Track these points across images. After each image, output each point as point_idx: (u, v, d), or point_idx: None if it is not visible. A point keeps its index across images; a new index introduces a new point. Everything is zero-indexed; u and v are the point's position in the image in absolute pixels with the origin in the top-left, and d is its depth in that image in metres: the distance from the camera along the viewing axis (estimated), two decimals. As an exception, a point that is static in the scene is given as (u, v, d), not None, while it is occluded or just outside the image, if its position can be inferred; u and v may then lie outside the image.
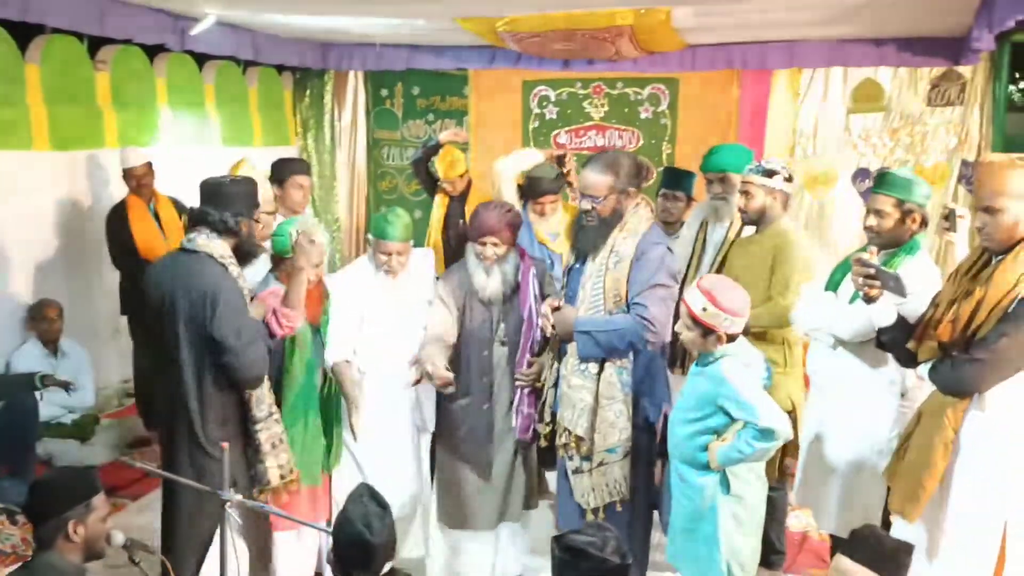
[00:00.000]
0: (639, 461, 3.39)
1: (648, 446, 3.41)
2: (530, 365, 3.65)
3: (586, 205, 3.36)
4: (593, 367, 3.33)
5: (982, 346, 2.63)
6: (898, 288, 2.81)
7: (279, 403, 3.45)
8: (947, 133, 6.93)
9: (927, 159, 6.88)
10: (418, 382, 3.76)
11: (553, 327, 3.43)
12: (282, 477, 3.39)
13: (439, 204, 5.34)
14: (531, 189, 4.66)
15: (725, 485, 3.04)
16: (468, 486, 3.75)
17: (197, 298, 3.14)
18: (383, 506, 2.48)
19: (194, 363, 3.20)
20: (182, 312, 3.17)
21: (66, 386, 4.82)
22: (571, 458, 3.41)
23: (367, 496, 2.50)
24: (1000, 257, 2.69)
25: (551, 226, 4.64)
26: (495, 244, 3.59)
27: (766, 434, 2.89)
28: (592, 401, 3.33)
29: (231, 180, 3.42)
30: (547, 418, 3.55)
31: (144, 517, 4.62)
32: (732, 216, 4.18)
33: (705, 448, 3.03)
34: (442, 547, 3.89)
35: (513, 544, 3.91)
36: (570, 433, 3.37)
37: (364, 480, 3.57)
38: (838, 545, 3.48)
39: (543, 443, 3.61)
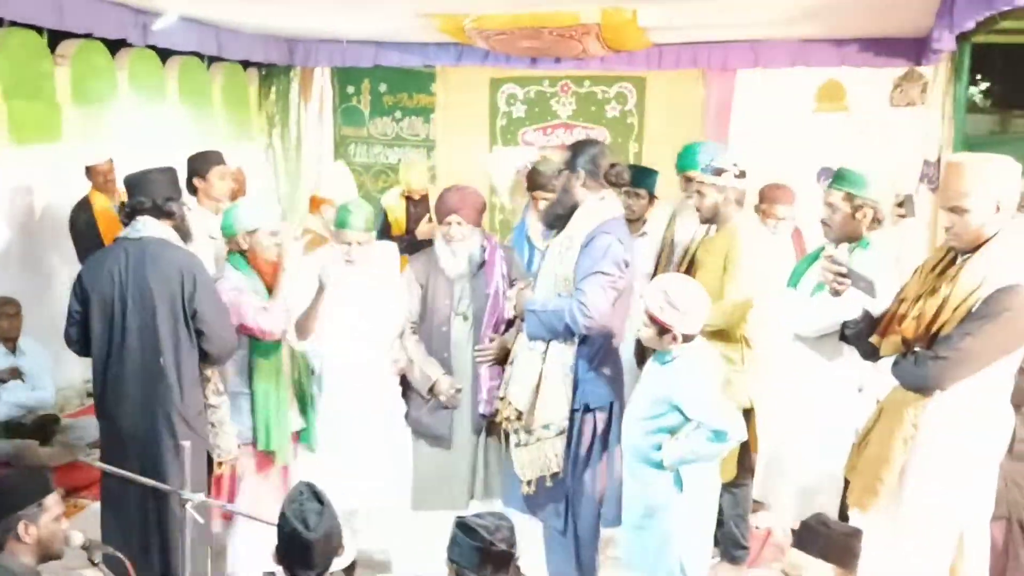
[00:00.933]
0: (576, 443, 3.47)
1: (586, 430, 3.47)
2: (491, 341, 3.78)
3: (548, 195, 3.54)
4: (541, 346, 3.44)
5: (946, 344, 2.66)
6: (869, 290, 2.85)
7: (250, 375, 3.59)
8: (909, 133, 7.01)
9: (888, 160, 6.95)
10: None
11: (514, 307, 3.59)
12: (239, 446, 3.58)
13: (398, 204, 5.53)
14: (531, 180, 4.82)
15: (679, 483, 3.06)
16: (434, 465, 3.83)
17: (174, 276, 3.30)
18: (322, 503, 2.46)
19: (172, 340, 3.32)
20: (157, 294, 3.30)
21: (16, 374, 4.77)
22: (515, 431, 3.53)
23: (306, 494, 2.49)
24: (966, 256, 2.70)
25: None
26: (459, 223, 3.72)
27: (719, 435, 2.93)
28: (536, 379, 3.43)
29: (155, 169, 3.59)
30: (501, 392, 3.65)
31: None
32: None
33: (659, 446, 3.05)
34: (416, 530, 3.93)
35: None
36: (512, 407, 3.49)
37: (337, 468, 3.61)
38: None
39: (498, 419, 3.67)
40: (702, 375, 3.04)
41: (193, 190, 4.91)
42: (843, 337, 3.09)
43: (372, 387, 3.87)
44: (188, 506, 2.78)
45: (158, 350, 3.33)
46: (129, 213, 3.47)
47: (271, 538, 3.57)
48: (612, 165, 3.54)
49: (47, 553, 2.61)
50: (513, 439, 3.56)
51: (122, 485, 3.27)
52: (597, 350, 3.47)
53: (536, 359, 3.45)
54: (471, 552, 2.36)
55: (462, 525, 2.41)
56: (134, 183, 3.50)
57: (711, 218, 3.84)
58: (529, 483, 3.51)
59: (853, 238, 3.31)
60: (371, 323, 3.82)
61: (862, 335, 2.96)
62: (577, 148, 3.54)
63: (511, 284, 3.86)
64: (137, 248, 3.36)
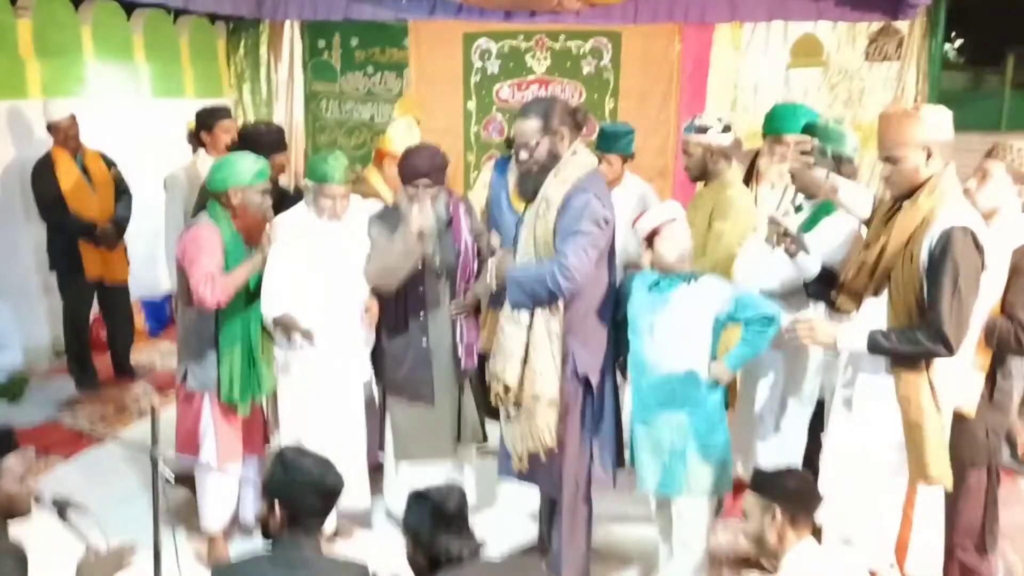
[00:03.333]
0: (569, 413, 3.38)
1: (578, 398, 3.39)
2: (464, 295, 3.81)
3: (523, 155, 3.33)
4: (525, 316, 3.32)
5: (932, 321, 2.67)
6: (800, 245, 3.03)
7: (216, 328, 3.58)
8: (884, 88, 7.03)
9: (864, 114, 6.97)
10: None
11: (495, 277, 3.44)
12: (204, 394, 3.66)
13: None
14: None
15: (723, 390, 3.23)
16: (418, 419, 3.86)
17: None
18: (323, 459, 2.50)
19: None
20: None
21: None
22: (503, 405, 3.45)
23: (299, 452, 2.52)
24: (903, 201, 2.80)
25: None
26: (427, 186, 3.68)
27: (772, 320, 3.08)
28: (521, 351, 3.33)
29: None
30: (489, 368, 3.57)
31: (77, 476, 4.53)
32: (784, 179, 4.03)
33: (707, 367, 3.16)
34: (402, 484, 3.93)
35: (467, 468, 4.06)
36: (499, 382, 3.39)
37: (310, 428, 3.61)
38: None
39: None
40: (726, 280, 3.20)
41: (201, 143, 5.02)
42: (808, 294, 3.13)
43: (350, 347, 3.84)
44: (160, 463, 2.75)
45: None
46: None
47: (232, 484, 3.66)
48: (572, 112, 3.35)
49: (9, 512, 2.55)
50: (503, 413, 3.49)
51: None
52: (584, 315, 3.36)
53: (521, 330, 3.34)
54: (424, 518, 2.42)
55: (414, 494, 2.49)
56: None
57: (699, 176, 3.82)
58: (521, 458, 3.43)
59: (819, 195, 3.30)
60: (353, 281, 3.78)
61: (823, 292, 3.03)
62: (549, 107, 3.34)
63: (475, 237, 3.89)
64: None
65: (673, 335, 3.18)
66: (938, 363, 2.75)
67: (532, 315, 3.31)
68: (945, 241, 2.64)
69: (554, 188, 3.28)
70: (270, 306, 3.64)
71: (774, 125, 4.11)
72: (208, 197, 3.64)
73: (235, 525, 3.94)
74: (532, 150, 3.30)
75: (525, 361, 3.34)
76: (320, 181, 3.67)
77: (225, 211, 3.56)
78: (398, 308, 3.80)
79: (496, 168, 4.73)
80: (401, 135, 4.47)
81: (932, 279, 2.68)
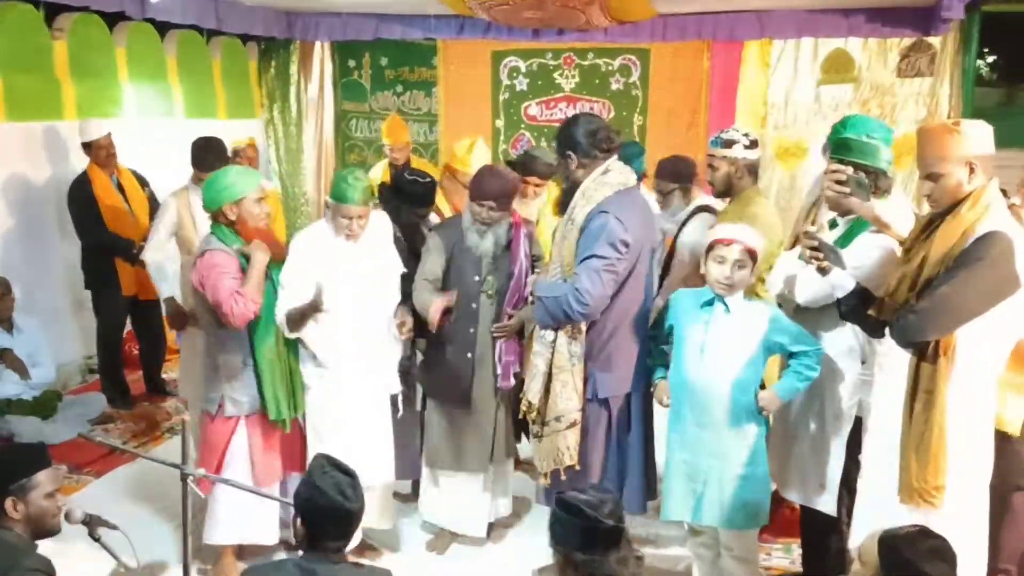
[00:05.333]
0: (590, 435, 3.38)
1: (601, 420, 3.39)
2: (509, 318, 3.78)
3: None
4: (550, 335, 3.35)
5: (925, 295, 2.68)
6: (837, 260, 2.94)
7: (252, 349, 3.58)
8: (916, 104, 6.96)
9: (896, 130, 6.87)
10: (410, 334, 3.82)
11: (532, 294, 3.52)
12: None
13: (383, 172, 5.45)
14: (523, 166, 4.57)
15: (765, 423, 3.19)
16: (455, 432, 3.87)
17: None
18: (350, 474, 2.48)
19: None
20: None
21: (22, 372, 4.76)
22: (533, 422, 3.48)
23: (330, 466, 2.49)
24: (944, 216, 2.74)
25: (530, 211, 4.57)
26: (492, 208, 3.69)
27: (822, 355, 3.12)
28: (546, 369, 3.36)
29: None
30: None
31: (108, 494, 4.55)
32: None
33: (754, 394, 3.12)
34: (434, 493, 4.01)
35: (502, 487, 4.06)
36: (527, 400, 3.44)
37: (333, 447, 3.56)
38: (805, 514, 3.50)
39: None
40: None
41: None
42: (842, 315, 3.06)
43: (372, 364, 3.83)
44: (189, 480, 2.74)
45: None
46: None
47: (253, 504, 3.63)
48: (591, 133, 3.34)
49: (38, 529, 2.57)
50: (532, 430, 3.52)
51: None
52: (609, 337, 3.34)
53: (546, 349, 3.37)
54: (577, 533, 2.23)
55: (562, 503, 2.27)
56: None
57: (725, 191, 3.78)
58: (545, 475, 3.46)
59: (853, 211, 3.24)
60: (376, 294, 3.78)
61: (857, 310, 2.95)
62: (560, 134, 3.43)
63: (534, 262, 3.88)
64: None
65: (724, 357, 3.13)
66: (962, 364, 2.68)
67: (556, 335, 3.33)
68: (981, 239, 2.59)
69: (580, 210, 3.30)
70: (282, 324, 3.60)
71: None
72: (212, 221, 3.61)
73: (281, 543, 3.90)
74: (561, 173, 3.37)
75: (549, 380, 3.35)
76: (338, 200, 3.65)
77: (228, 229, 3.55)
78: (451, 319, 3.79)
79: None
80: (474, 155, 4.56)
81: (951, 268, 2.63)
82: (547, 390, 3.37)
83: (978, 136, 2.69)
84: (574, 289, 3.18)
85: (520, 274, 3.81)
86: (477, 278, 3.76)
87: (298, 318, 3.58)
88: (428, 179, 4.18)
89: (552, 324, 3.32)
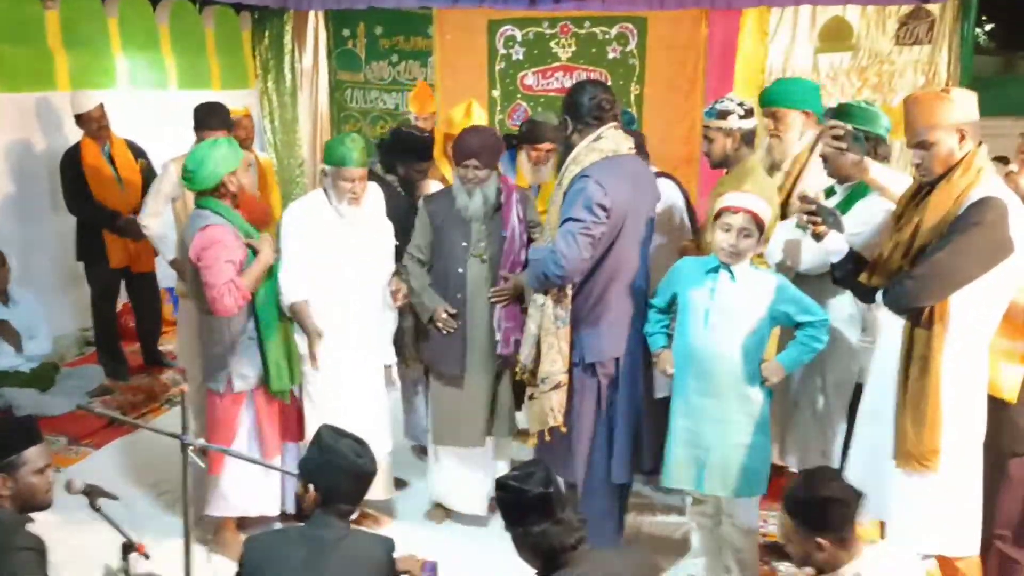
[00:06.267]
0: (577, 398, 3.41)
1: (588, 385, 3.41)
2: (505, 281, 3.78)
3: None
4: (540, 299, 3.39)
5: (919, 262, 2.69)
6: (836, 223, 2.92)
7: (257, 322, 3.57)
8: (915, 72, 6.91)
9: (894, 98, 6.86)
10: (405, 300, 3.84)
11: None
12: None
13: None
14: (530, 134, 4.52)
15: (769, 392, 3.18)
16: (451, 404, 3.86)
17: None
18: (358, 440, 2.55)
19: None
20: None
21: (16, 345, 4.76)
22: (528, 384, 3.52)
23: (336, 433, 2.55)
24: (937, 183, 2.74)
25: (543, 177, 4.54)
26: (476, 167, 3.69)
27: (828, 326, 3.09)
28: (536, 332, 3.41)
29: None
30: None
31: (108, 465, 4.56)
32: (784, 155, 3.98)
33: (758, 363, 3.12)
34: (437, 468, 4.03)
35: (504, 461, 4.06)
36: (519, 362, 3.50)
37: (330, 417, 3.58)
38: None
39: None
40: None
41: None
42: (835, 280, 3.06)
43: (370, 333, 3.83)
44: (190, 450, 2.75)
45: None
46: None
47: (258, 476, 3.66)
48: (591, 99, 3.34)
49: (28, 505, 2.54)
50: (528, 392, 3.55)
51: None
52: (595, 303, 3.36)
53: (537, 312, 3.40)
54: (510, 507, 2.32)
55: (497, 482, 2.38)
56: None
57: (721, 163, 3.74)
58: (534, 436, 3.50)
59: (852, 177, 3.23)
60: (369, 266, 3.79)
61: (850, 276, 2.96)
62: (566, 98, 3.46)
63: (529, 227, 3.87)
64: None
65: (728, 325, 3.12)
66: (956, 329, 2.70)
67: (545, 298, 3.37)
68: (975, 205, 2.60)
69: (567, 173, 3.34)
70: (286, 292, 3.63)
71: (770, 99, 4.02)
72: (203, 195, 3.52)
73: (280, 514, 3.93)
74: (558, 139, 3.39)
75: (538, 343, 3.40)
76: (338, 164, 3.63)
77: (224, 202, 3.50)
78: (439, 286, 3.81)
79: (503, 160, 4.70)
80: (461, 117, 4.46)
81: (946, 234, 2.63)
82: (538, 353, 3.41)
83: (966, 102, 2.70)
84: (551, 251, 3.22)
85: (512, 237, 3.80)
86: (465, 243, 3.76)
87: (298, 319, 3.65)
88: (427, 134, 4.18)
89: (539, 287, 3.36)
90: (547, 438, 3.42)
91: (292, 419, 3.80)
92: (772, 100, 3.93)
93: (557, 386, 3.37)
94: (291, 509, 3.89)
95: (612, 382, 3.41)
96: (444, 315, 3.76)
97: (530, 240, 3.92)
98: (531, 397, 3.50)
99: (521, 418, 4.16)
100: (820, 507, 2.43)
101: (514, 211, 3.82)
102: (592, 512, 3.45)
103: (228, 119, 4.75)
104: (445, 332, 3.78)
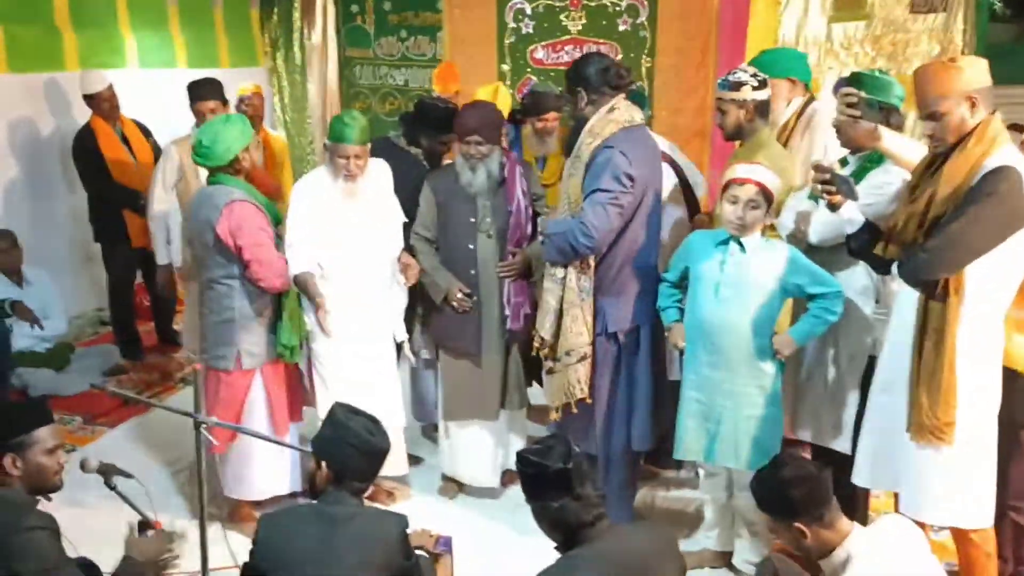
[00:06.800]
0: (600, 368, 3.44)
1: (611, 354, 3.44)
2: (513, 256, 3.79)
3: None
4: (560, 272, 3.39)
5: (934, 234, 2.66)
6: (850, 192, 2.90)
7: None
8: (930, 41, 6.80)
9: (909, 67, 6.76)
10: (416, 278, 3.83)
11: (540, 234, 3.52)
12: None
13: None
14: (535, 106, 4.57)
15: (781, 365, 3.17)
16: (465, 381, 3.88)
17: None
18: (371, 418, 2.56)
19: None
20: None
21: (34, 321, 4.78)
22: (545, 359, 3.52)
23: (349, 411, 2.56)
24: (950, 152, 2.70)
25: (549, 148, 4.51)
26: (479, 143, 3.68)
27: (842, 298, 3.06)
28: (557, 305, 3.40)
29: None
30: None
31: (122, 444, 4.60)
32: (773, 124, 3.91)
33: (769, 336, 3.11)
34: (448, 443, 4.05)
35: (516, 434, 4.06)
36: (539, 335, 3.49)
37: (342, 394, 3.59)
38: (818, 455, 3.51)
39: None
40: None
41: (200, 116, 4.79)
42: (850, 251, 3.04)
43: (377, 308, 3.82)
44: (203, 429, 2.77)
45: None
46: None
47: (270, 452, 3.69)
48: (603, 70, 3.36)
49: (38, 486, 2.55)
50: (545, 366, 3.55)
51: None
52: (617, 272, 3.40)
53: (557, 286, 3.41)
54: (531, 482, 2.30)
55: (517, 457, 2.36)
56: None
57: (735, 135, 3.69)
58: (557, 410, 3.51)
59: (865, 146, 3.19)
60: (378, 241, 3.78)
61: (865, 247, 2.93)
62: (571, 71, 3.46)
63: (532, 200, 3.88)
64: None
65: (739, 297, 3.11)
66: (971, 301, 2.68)
67: (567, 271, 3.37)
68: (990, 174, 2.56)
69: (586, 146, 3.33)
70: (291, 265, 3.62)
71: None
72: (218, 171, 3.51)
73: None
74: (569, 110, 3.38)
75: (560, 316, 3.40)
76: (336, 140, 3.62)
77: (238, 177, 3.51)
78: (449, 264, 3.81)
79: (508, 135, 4.69)
80: (499, 102, 4.43)
81: (960, 204, 2.60)
82: (558, 326, 3.42)
83: (975, 70, 2.66)
84: (580, 223, 3.23)
85: (518, 211, 3.80)
86: (473, 219, 3.76)
87: (304, 291, 3.67)
88: (451, 104, 4.15)
89: (561, 260, 3.36)
90: (574, 410, 3.45)
91: (298, 396, 3.83)
92: (759, 70, 3.90)
93: (583, 358, 3.40)
94: (300, 488, 3.92)
95: (633, 351, 3.45)
96: (459, 294, 3.76)
97: (535, 213, 3.91)
98: (550, 371, 3.50)
99: (533, 393, 4.17)
100: (781, 493, 2.40)
101: (518, 185, 3.81)
102: (613, 481, 3.54)
103: (222, 90, 4.77)
104: (461, 311, 3.78)
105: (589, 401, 3.44)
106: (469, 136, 3.69)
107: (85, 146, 5.44)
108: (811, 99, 4.06)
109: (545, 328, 3.46)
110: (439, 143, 4.09)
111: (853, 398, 3.35)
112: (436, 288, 3.81)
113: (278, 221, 3.64)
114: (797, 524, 2.37)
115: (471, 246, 3.77)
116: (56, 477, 2.59)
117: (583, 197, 3.30)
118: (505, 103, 4.67)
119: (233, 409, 3.58)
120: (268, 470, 3.74)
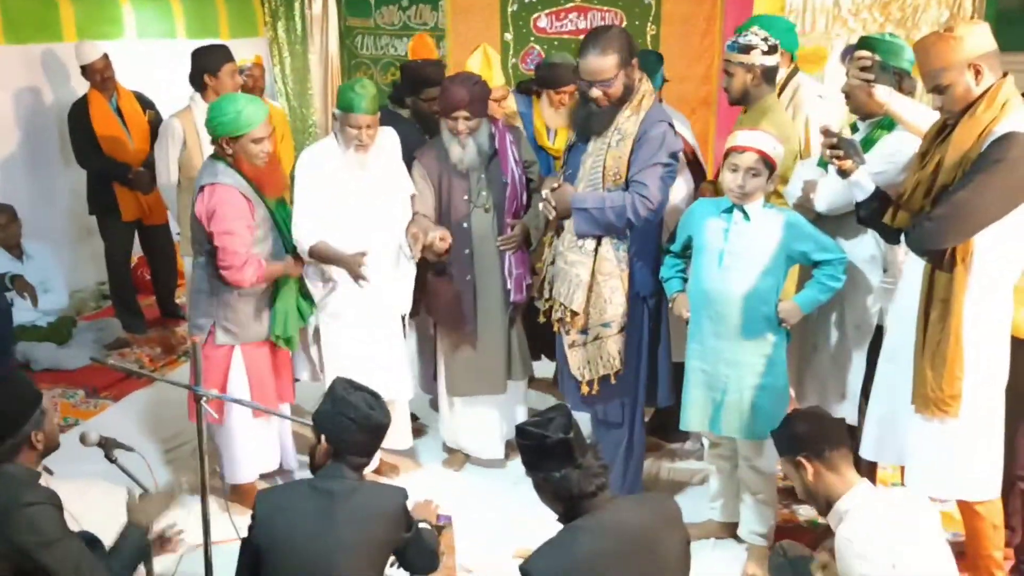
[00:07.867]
0: (633, 334, 3.43)
1: (641, 319, 3.44)
2: (512, 228, 3.75)
3: (596, 92, 3.26)
4: (590, 243, 3.34)
5: (941, 202, 2.61)
6: (857, 155, 2.86)
7: None
8: (939, 6, 6.72)
9: (918, 34, 6.67)
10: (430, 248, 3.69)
11: (554, 208, 3.38)
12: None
13: None
14: (553, 78, 4.28)
15: (786, 333, 3.15)
16: (466, 357, 3.85)
17: None
18: (373, 393, 2.54)
19: None
20: None
21: (32, 295, 4.76)
22: (567, 332, 3.45)
23: (351, 387, 2.53)
24: (959, 119, 2.65)
25: (562, 119, 4.39)
26: (466, 118, 3.59)
27: (846, 264, 3.05)
28: (588, 277, 3.35)
29: None
30: (545, 294, 3.57)
31: (125, 417, 4.59)
32: None
33: (774, 304, 3.09)
34: (451, 415, 4.03)
35: (520, 405, 4.06)
36: (565, 308, 3.41)
37: (348, 367, 3.55)
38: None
39: (542, 319, 3.61)
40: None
41: (201, 87, 4.74)
42: (860, 220, 2.99)
43: (384, 280, 3.78)
44: (203, 402, 2.74)
45: None
46: None
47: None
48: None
49: (50, 450, 2.59)
50: (567, 340, 3.47)
51: None
52: (647, 240, 3.41)
53: (587, 258, 3.35)
54: (531, 453, 2.29)
55: (517, 430, 2.34)
56: None
57: (740, 99, 3.63)
58: (590, 383, 3.44)
59: (875, 112, 3.13)
60: (383, 213, 3.71)
61: (875, 215, 2.88)
62: (611, 44, 3.25)
63: (525, 167, 3.81)
64: None
65: (743, 266, 3.08)
66: (979, 271, 2.64)
67: (598, 243, 3.34)
68: (998, 141, 2.50)
69: (628, 120, 3.29)
70: (302, 240, 3.58)
71: None
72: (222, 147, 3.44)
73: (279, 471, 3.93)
74: (609, 85, 3.24)
75: (591, 288, 3.36)
76: (346, 110, 3.55)
77: (231, 163, 3.42)
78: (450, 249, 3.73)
79: (519, 104, 4.56)
80: (494, 72, 4.20)
81: (968, 172, 2.54)
82: (588, 298, 3.38)
83: (976, 36, 2.58)
84: (640, 196, 3.21)
85: (514, 182, 3.75)
86: (466, 197, 3.70)
87: (325, 259, 3.59)
88: (438, 61, 4.09)
89: (599, 233, 3.32)
90: (613, 381, 3.42)
91: (288, 377, 3.81)
92: None
93: (622, 329, 3.39)
94: (288, 465, 3.92)
95: (657, 314, 3.47)
96: (438, 240, 3.62)
97: (528, 180, 3.85)
98: (574, 344, 3.44)
99: (536, 365, 4.15)
100: (787, 426, 2.56)
101: (510, 155, 3.75)
102: (637, 449, 3.59)
103: (228, 53, 4.76)
104: (438, 256, 3.66)
105: (622, 370, 3.41)
106: (456, 112, 3.58)
107: (78, 118, 5.39)
108: (795, 71, 4.00)
109: (576, 301, 3.37)
110: (423, 100, 4.01)
111: (859, 367, 3.33)
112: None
113: (284, 223, 3.60)
114: (799, 458, 2.45)
115: (465, 225, 3.72)
116: (58, 438, 2.62)
117: (633, 171, 3.25)
118: (493, 70, 4.41)
119: (215, 382, 3.53)
120: (250, 450, 3.71)
